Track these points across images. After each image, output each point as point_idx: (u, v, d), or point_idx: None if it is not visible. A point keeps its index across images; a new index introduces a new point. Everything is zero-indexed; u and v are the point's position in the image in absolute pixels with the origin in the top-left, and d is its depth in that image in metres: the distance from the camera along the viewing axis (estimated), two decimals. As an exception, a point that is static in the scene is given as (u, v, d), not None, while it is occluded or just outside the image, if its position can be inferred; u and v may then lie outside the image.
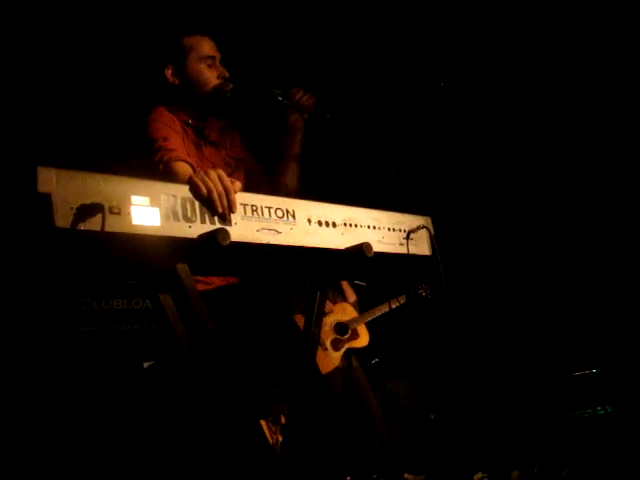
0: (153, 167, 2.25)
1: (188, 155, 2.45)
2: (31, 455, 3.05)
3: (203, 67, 2.68)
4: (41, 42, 4.42)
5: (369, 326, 5.12)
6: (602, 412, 5.08)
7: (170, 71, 2.71)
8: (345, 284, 5.15)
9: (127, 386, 3.76)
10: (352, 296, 5.18)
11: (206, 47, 2.72)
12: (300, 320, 2.30)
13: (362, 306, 5.20)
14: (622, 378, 5.18)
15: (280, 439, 2.53)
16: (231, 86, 2.61)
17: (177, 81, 2.70)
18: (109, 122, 4.57)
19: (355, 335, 4.92)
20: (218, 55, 2.74)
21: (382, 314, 5.15)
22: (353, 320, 4.98)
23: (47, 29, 4.38)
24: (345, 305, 5.06)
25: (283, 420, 2.73)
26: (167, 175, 2.20)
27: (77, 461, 3.09)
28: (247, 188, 2.10)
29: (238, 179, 1.88)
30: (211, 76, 2.68)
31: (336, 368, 4.66)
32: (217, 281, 2.49)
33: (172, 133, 2.45)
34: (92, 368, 3.79)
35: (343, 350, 4.77)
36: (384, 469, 4.69)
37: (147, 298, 3.96)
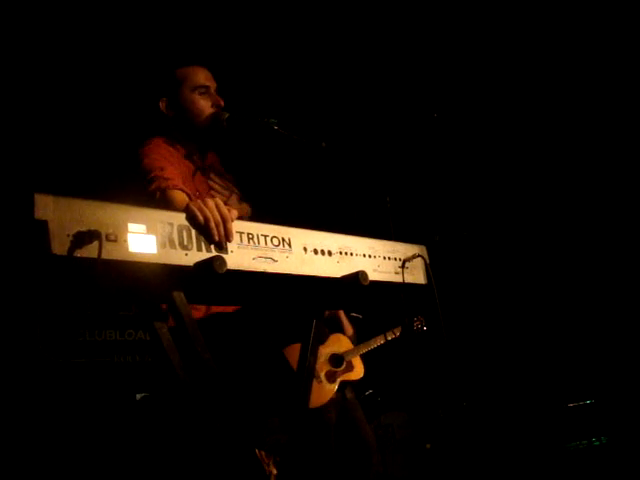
0: (150, 196, 2.24)
1: (184, 184, 2.44)
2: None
3: (196, 97, 2.66)
4: (41, 67, 4.44)
5: (364, 357, 5.08)
6: (597, 443, 5.05)
7: (164, 103, 2.70)
8: (342, 316, 5.11)
9: (120, 417, 3.72)
10: (349, 329, 5.15)
11: (198, 77, 2.70)
12: (296, 349, 2.28)
13: (358, 338, 5.16)
14: (618, 409, 5.16)
15: (274, 472, 2.50)
16: (227, 115, 2.61)
17: (172, 113, 2.69)
18: (107, 150, 4.59)
19: (350, 367, 4.87)
20: (213, 84, 2.72)
21: (378, 346, 5.11)
22: (348, 352, 4.93)
23: (47, 53, 4.41)
24: (340, 336, 5.02)
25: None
26: (164, 203, 2.20)
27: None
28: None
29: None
30: (205, 105, 2.66)
31: (330, 400, 4.60)
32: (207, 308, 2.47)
33: (168, 164, 2.44)
34: (84, 400, 3.75)
35: (338, 382, 4.72)
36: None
37: (143, 327, 3.95)
